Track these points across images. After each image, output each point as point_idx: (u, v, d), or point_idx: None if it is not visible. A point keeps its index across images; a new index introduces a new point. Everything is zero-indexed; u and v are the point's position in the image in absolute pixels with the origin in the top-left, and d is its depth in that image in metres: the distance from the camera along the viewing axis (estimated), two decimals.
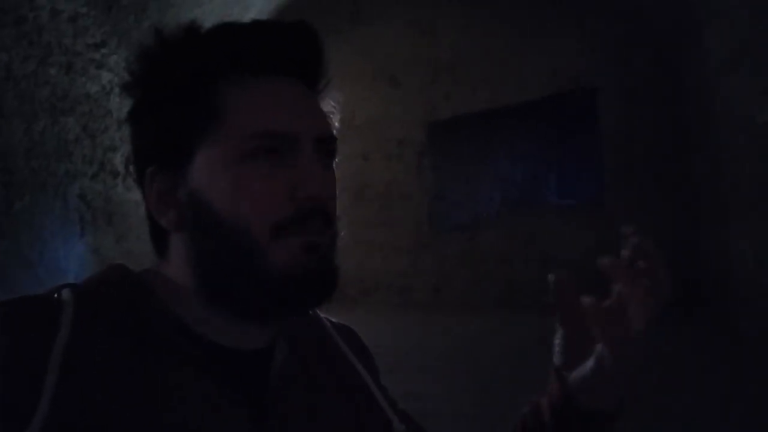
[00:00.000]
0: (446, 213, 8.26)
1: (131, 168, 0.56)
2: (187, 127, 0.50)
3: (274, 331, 0.56)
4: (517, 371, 3.99)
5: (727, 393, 3.20)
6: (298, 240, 0.48)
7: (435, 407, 3.20)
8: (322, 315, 0.67)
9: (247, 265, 0.48)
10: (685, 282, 6.03)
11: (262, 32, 0.52)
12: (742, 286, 4.53)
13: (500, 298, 7.23)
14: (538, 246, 7.22)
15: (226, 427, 0.48)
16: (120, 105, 5.64)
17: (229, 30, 0.51)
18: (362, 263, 7.96)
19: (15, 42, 4.53)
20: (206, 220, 0.49)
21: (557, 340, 0.62)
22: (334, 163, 0.55)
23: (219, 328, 0.51)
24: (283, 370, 0.54)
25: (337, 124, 0.61)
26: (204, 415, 0.47)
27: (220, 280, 0.50)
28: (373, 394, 0.62)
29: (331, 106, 0.58)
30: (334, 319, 0.68)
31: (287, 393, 0.53)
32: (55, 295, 0.47)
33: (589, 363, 0.55)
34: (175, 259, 0.52)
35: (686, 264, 6.05)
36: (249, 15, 6.93)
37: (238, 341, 0.52)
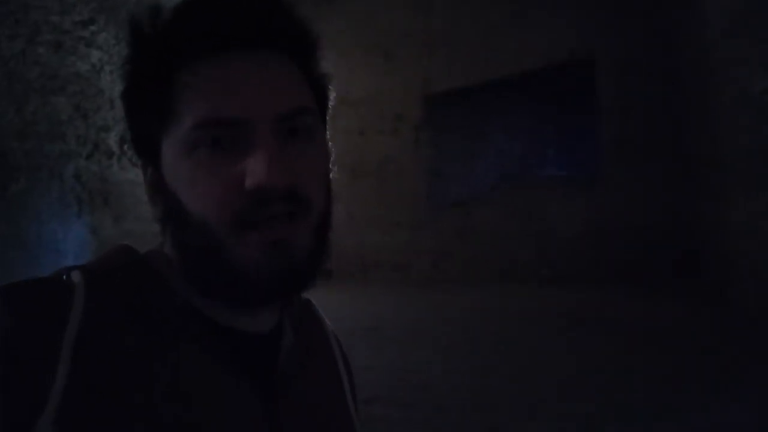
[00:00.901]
0: (444, 188, 8.25)
1: (126, 148, 0.55)
2: (150, 119, 0.49)
3: (278, 315, 0.56)
4: (515, 345, 4.04)
5: (722, 364, 3.26)
6: (258, 237, 0.46)
7: (435, 380, 3.25)
8: (322, 313, 0.66)
9: (211, 258, 0.47)
10: (682, 253, 6.07)
11: (212, 6, 0.48)
12: (739, 257, 4.56)
13: (498, 273, 7.27)
14: (536, 220, 7.24)
15: (239, 410, 0.48)
16: (111, 84, 5.56)
17: (183, 10, 0.48)
18: (360, 240, 7.98)
19: (1, 20, 4.44)
20: (177, 214, 0.48)
21: None
22: (313, 137, 0.50)
23: (225, 312, 0.51)
24: (292, 354, 0.55)
25: (331, 94, 0.56)
26: (217, 397, 0.47)
27: (195, 271, 0.49)
28: (348, 405, 0.63)
29: (323, 72, 0.54)
30: (328, 321, 0.67)
31: (295, 377, 0.54)
32: (65, 278, 0.46)
33: None
34: (169, 243, 0.52)
35: (684, 235, 6.08)
36: None
37: (244, 325, 0.52)
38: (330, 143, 0.55)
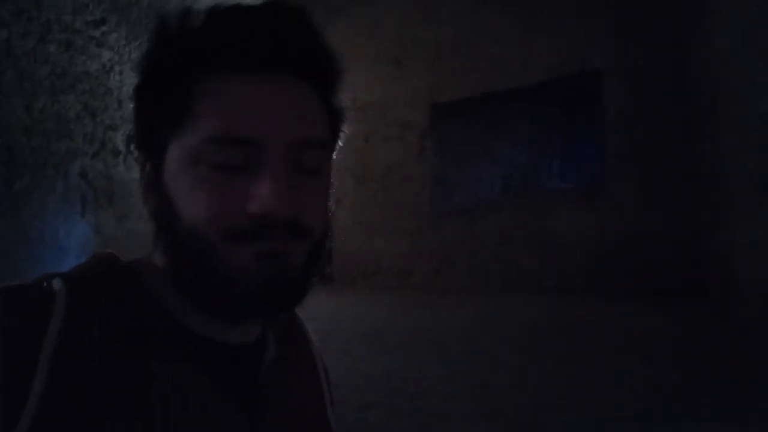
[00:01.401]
0: (447, 196, 8.24)
1: (132, 147, 0.55)
2: (161, 118, 0.49)
3: (261, 327, 0.56)
4: (516, 353, 4.02)
5: (722, 381, 3.23)
6: (252, 247, 0.46)
7: (435, 388, 3.23)
8: (306, 326, 0.66)
9: (200, 265, 0.46)
10: (685, 270, 6.04)
11: (246, 22, 0.47)
12: (743, 273, 4.54)
13: (501, 281, 7.25)
14: (540, 230, 7.23)
15: (219, 421, 0.48)
16: (120, 83, 5.61)
17: (219, 18, 0.48)
18: (363, 245, 7.98)
19: (14, 18, 4.48)
20: (169, 218, 0.48)
21: None
22: (322, 168, 0.50)
23: (208, 322, 0.50)
24: (274, 366, 0.54)
25: (344, 130, 0.56)
26: (196, 408, 0.47)
27: (183, 277, 0.49)
28: (329, 417, 0.62)
29: (340, 107, 0.54)
30: (311, 332, 0.67)
31: (277, 389, 0.54)
32: (45, 284, 0.46)
33: None
34: (160, 246, 0.51)
35: (687, 250, 6.06)
36: None
37: (226, 335, 0.51)
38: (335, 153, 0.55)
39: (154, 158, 0.50)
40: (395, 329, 4.92)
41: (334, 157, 0.56)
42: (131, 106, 0.54)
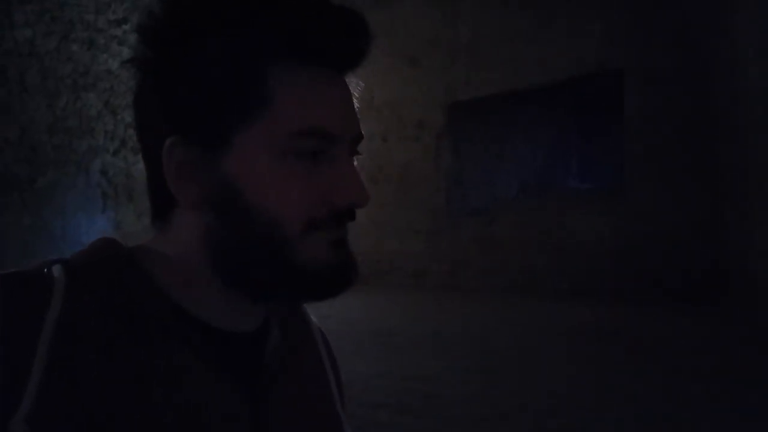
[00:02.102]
0: (464, 196, 8.21)
1: (137, 134, 0.53)
2: (231, 106, 0.47)
3: (264, 314, 0.55)
4: (529, 357, 3.99)
5: (739, 380, 3.17)
6: (326, 236, 0.49)
7: (446, 389, 3.22)
8: (308, 312, 0.66)
9: (274, 257, 0.47)
10: (704, 272, 5.93)
11: (323, 17, 0.48)
12: (760, 279, 4.44)
13: (516, 283, 7.20)
14: (556, 232, 7.16)
15: (222, 409, 0.48)
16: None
17: (291, 6, 0.47)
18: (378, 244, 7.99)
19: (38, 18, 4.57)
20: (237, 207, 0.47)
21: None
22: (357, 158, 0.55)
23: (214, 311, 0.50)
24: (277, 354, 0.54)
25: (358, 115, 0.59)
26: (199, 396, 0.46)
27: (243, 267, 0.48)
28: (336, 404, 0.61)
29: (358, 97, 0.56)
30: (315, 319, 0.66)
31: (281, 376, 0.54)
32: (45, 271, 0.45)
33: None
34: (183, 237, 0.50)
35: (707, 253, 5.95)
36: None
37: (231, 324, 0.51)
38: None
39: (201, 143, 0.48)
40: (408, 330, 4.91)
41: None
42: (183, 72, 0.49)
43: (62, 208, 4.83)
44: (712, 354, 3.88)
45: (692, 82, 6.22)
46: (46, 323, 0.42)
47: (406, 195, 8.21)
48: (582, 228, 6.97)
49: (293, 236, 0.47)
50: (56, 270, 0.46)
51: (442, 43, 8.01)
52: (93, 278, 0.46)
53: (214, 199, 0.48)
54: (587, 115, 8.94)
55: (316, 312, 0.65)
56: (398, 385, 3.28)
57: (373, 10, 8.36)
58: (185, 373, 0.46)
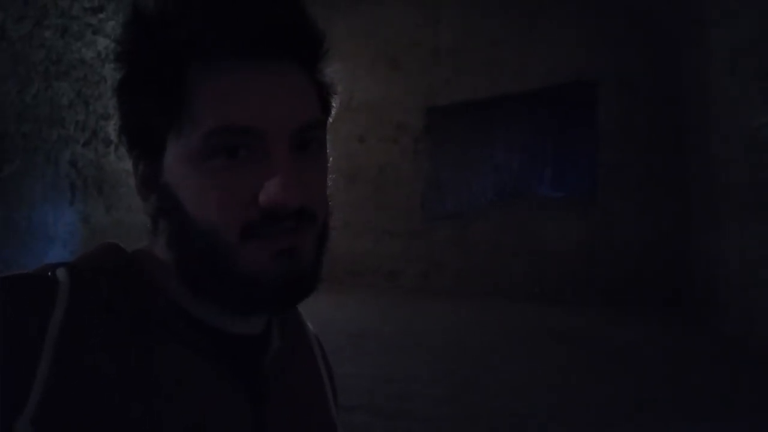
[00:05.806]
0: (440, 199, 8.26)
1: (123, 138, 0.51)
2: (157, 114, 0.47)
3: (266, 319, 0.56)
4: (502, 359, 4.04)
5: (701, 391, 3.26)
6: (267, 244, 0.45)
7: (419, 391, 3.24)
8: (305, 318, 0.66)
9: (216, 265, 0.46)
10: (673, 281, 6.10)
11: (235, 5, 0.45)
12: (728, 287, 4.59)
13: (490, 287, 7.28)
14: (530, 238, 7.26)
15: (225, 411, 0.48)
16: (115, 72, 5.56)
17: (200, 4, 0.45)
18: (352, 245, 7.97)
19: (10, 1, 4.43)
20: (177, 215, 0.47)
21: None
22: (321, 150, 0.50)
23: (215, 313, 0.50)
24: (277, 357, 0.55)
25: (334, 104, 0.55)
26: (203, 398, 0.47)
27: (195, 274, 0.48)
28: (331, 407, 0.62)
29: (330, 82, 0.53)
30: (310, 324, 0.67)
31: (282, 379, 0.54)
32: (50, 274, 0.45)
33: None
34: (162, 242, 0.50)
35: (675, 262, 6.11)
36: None
37: (233, 326, 0.51)
38: (329, 149, 0.55)
39: (151, 157, 0.49)
40: (382, 331, 4.92)
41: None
42: (119, 93, 0.50)
43: (30, 198, 4.68)
44: (676, 358, 3.99)
45: (664, 93, 6.39)
46: (50, 325, 0.42)
47: (382, 196, 8.21)
48: (555, 234, 7.09)
49: (233, 243, 0.45)
50: (60, 273, 0.46)
51: (422, 46, 8.04)
52: (97, 281, 0.47)
53: (163, 210, 0.48)
54: (563, 123, 9.10)
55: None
56: (373, 386, 3.28)
57: (354, 12, 8.36)
58: (188, 374, 0.47)
